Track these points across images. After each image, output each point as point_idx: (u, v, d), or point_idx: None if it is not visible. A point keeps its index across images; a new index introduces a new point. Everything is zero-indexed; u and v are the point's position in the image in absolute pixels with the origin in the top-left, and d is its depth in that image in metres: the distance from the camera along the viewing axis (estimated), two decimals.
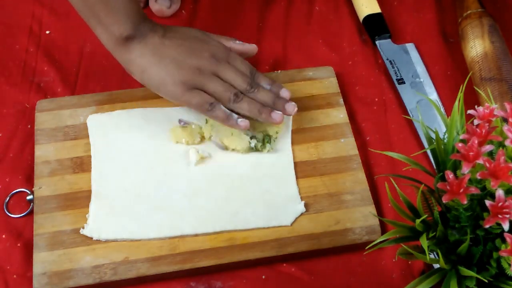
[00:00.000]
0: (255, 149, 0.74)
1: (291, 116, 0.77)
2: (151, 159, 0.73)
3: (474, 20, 0.81)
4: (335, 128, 0.77)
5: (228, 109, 0.70)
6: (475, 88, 0.73)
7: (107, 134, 0.75)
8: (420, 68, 0.85)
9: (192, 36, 0.72)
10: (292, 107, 0.72)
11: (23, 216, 0.71)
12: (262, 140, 0.74)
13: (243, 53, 0.75)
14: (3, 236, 0.70)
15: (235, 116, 0.71)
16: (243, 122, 0.70)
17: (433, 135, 0.48)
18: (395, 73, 0.84)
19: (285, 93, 0.73)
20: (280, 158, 0.74)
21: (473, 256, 0.46)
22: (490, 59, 0.77)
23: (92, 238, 0.67)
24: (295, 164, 0.74)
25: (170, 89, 0.69)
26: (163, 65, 0.69)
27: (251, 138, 0.73)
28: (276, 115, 0.71)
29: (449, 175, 0.43)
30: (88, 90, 0.81)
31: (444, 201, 0.43)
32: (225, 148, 0.74)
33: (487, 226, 0.41)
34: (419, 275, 0.51)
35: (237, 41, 0.75)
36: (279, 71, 0.83)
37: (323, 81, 0.81)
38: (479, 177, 0.42)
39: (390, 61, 0.85)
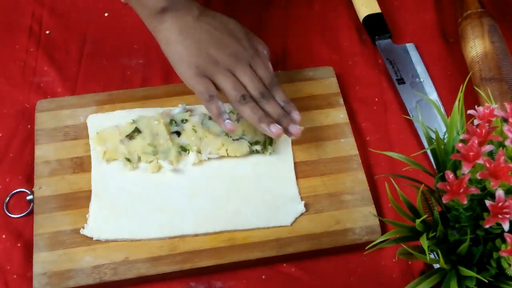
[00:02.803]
0: (256, 152, 0.74)
1: None
2: None
3: (474, 20, 0.81)
4: (335, 128, 0.77)
5: (233, 108, 0.72)
6: (475, 88, 0.73)
7: None
8: (420, 68, 0.85)
9: (225, 28, 0.72)
10: (296, 130, 0.70)
11: (23, 216, 0.71)
12: (264, 143, 0.74)
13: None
14: (3, 236, 0.70)
15: (226, 116, 0.70)
16: (229, 124, 0.69)
17: (433, 135, 0.48)
18: (395, 73, 0.84)
19: (295, 115, 0.71)
20: (280, 158, 0.74)
21: (473, 256, 0.46)
22: (490, 59, 0.77)
23: (92, 238, 0.67)
24: (295, 164, 0.74)
25: (183, 69, 0.70)
26: (186, 44, 0.70)
27: (253, 143, 0.73)
28: (275, 128, 0.68)
29: (449, 175, 0.43)
30: (88, 90, 0.81)
31: (444, 201, 0.43)
32: (223, 156, 0.74)
33: (487, 226, 0.41)
34: (419, 275, 0.51)
35: (265, 53, 0.75)
36: (279, 71, 0.83)
37: (323, 81, 0.81)
38: (479, 177, 0.42)
39: (390, 61, 0.85)
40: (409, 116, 0.79)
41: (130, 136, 0.73)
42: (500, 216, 0.41)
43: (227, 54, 0.70)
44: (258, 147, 0.73)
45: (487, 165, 0.42)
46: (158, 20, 0.71)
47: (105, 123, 0.75)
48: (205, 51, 0.70)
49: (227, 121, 0.70)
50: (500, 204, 0.41)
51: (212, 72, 0.70)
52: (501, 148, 0.43)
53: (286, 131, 0.70)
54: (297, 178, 0.73)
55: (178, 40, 0.70)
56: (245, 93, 0.70)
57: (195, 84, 0.70)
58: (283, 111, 0.71)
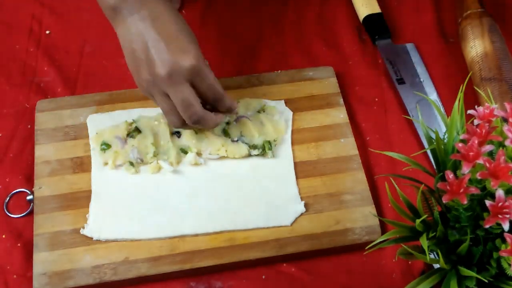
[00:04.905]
0: (255, 156, 0.74)
1: (291, 117, 0.77)
2: None
3: (474, 20, 0.81)
4: (335, 128, 0.77)
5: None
6: (475, 88, 0.73)
7: None
8: (420, 68, 0.85)
9: (167, 36, 0.64)
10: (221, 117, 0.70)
11: (23, 216, 0.71)
12: (263, 146, 0.74)
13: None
14: (3, 236, 0.70)
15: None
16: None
17: (433, 135, 0.48)
18: (395, 73, 0.84)
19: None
20: (280, 158, 0.74)
21: (473, 256, 0.46)
22: (490, 59, 0.77)
23: (92, 238, 0.67)
24: (295, 164, 0.74)
25: (135, 81, 0.67)
26: (131, 58, 0.65)
27: (251, 146, 0.73)
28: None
29: (449, 175, 0.43)
30: (88, 90, 0.81)
31: (444, 201, 0.43)
32: (223, 157, 0.74)
33: (487, 226, 0.42)
34: (419, 275, 0.51)
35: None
36: (279, 71, 0.83)
37: (323, 81, 0.81)
38: (479, 177, 0.42)
39: (390, 61, 0.85)
40: (409, 116, 0.79)
41: (130, 136, 0.73)
42: (500, 216, 0.41)
43: (165, 72, 0.63)
44: (256, 152, 0.73)
45: (487, 165, 0.42)
46: (113, 19, 0.66)
47: (105, 123, 0.75)
48: (146, 66, 0.64)
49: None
50: (500, 204, 0.41)
51: (151, 93, 0.66)
52: (501, 148, 0.43)
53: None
54: (297, 178, 0.73)
55: (126, 52, 0.66)
56: (175, 126, 0.68)
57: (154, 100, 0.68)
58: (218, 122, 0.70)
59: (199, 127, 0.69)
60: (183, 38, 0.65)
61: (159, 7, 0.65)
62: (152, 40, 0.64)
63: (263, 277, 0.68)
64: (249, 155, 0.73)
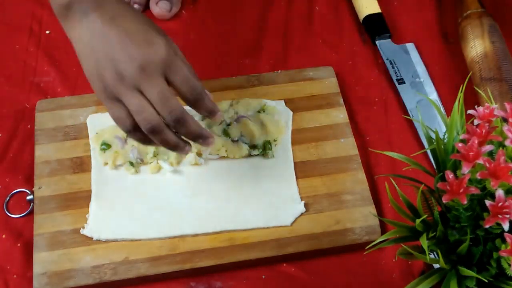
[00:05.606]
0: (255, 155, 0.74)
1: (291, 117, 0.77)
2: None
3: (474, 20, 0.81)
4: (335, 128, 0.77)
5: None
6: (475, 88, 0.73)
7: None
8: (420, 68, 0.85)
9: (137, 31, 0.58)
10: (208, 144, 0.62)
11: (23, 216, 0.71)
12: (263, 146, 0.74)
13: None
14: (3, 236, 0.70)
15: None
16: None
17: (433, 135, 0.48)
18: (395, 73, 0.84)
19: (209, 137, 0.63)
20: (280, 158, 0.74)
21: (473, 256, 0.46)
22: (490, 59, 0.77)
23: (92, 238, 0.67)
24: (295, 164, 0.74)
25: (96, 92, 0.60)
26: (92, 61, 0.58)
27: (251, 146, 0.73)
28: (186, 151, 0.62)
29: (449, 175, 0.43)
30: (88, 90, 0.80)
31: (444, 201, 0.43)
32: (223, 157, 0.74)
33: (487, 226, 0.41)
34: (419, 275, 0.51)
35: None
36: (279, 71, 0.83)
37: (323, 81, 0.81)
38: (479, 177, 0.42)
39: (390, 61, 0.85)
40: (409, 116, 0.79)
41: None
42: (500, 216, 0.41)
43: (135, 66, 0.56)
44: (256, 152, 0.73)
45: (487, 165, 0.42)
46: (65, 19, 0.60)
47: (105, 123, 0.75)
48: (111, 65, 0.57)
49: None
50: (500, 204, 0.41)
51: (119, 92, 0.57)
52: (501, 148, 0.43)
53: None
54: (297, 178, 0.73)
55: (86, 55, 0.59)
56: (154, 124, 0.57)
57: (109, 110, 0.59)
58: (200, 131, 0.61)
59: (178, 128, 0.60)
60: (149, 31, 0.59)
61: (117, 6, 0.59)
62: (115, 38, 0.57)
63: (263, 277, 0.68)
64: (249, 155, 0.73)
